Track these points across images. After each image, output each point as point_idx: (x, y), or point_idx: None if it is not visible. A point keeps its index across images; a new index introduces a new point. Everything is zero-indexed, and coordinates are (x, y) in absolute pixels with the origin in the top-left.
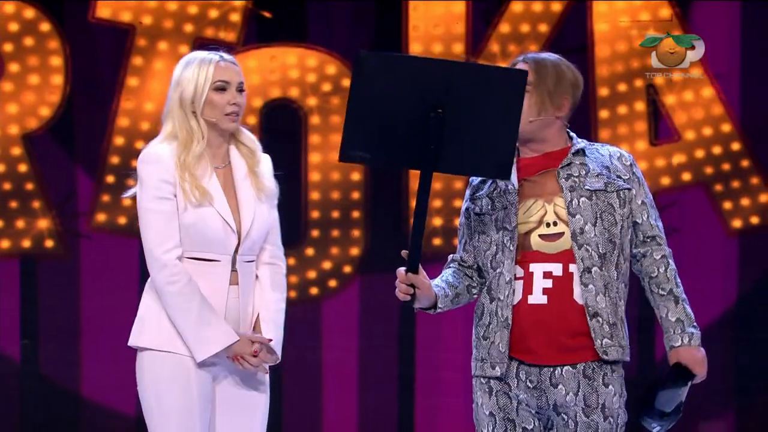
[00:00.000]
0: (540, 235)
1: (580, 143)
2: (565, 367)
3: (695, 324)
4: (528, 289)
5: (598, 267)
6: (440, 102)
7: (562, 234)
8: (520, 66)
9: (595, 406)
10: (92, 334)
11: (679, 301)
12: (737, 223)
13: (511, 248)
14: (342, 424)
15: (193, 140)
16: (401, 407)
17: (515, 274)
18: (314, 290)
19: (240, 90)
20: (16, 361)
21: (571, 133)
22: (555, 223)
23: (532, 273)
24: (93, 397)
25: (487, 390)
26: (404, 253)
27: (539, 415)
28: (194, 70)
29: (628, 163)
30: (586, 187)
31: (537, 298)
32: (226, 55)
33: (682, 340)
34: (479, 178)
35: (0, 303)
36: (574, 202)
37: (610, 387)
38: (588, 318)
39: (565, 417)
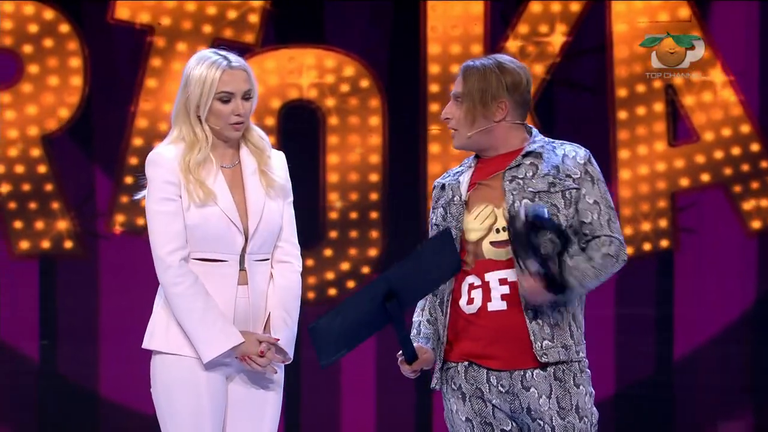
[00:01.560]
0: (491, 242)
1: (536, 143)
2: (536, 370)
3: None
4: (487, 297)
5: None
6: (391, 293)
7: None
8: (458, 79)
9: (569, 408)
10: (110, 334)
11: (589, 257)
12: (756, 224)
13: None
14: (360, 425)
15: (198, 144)
16: (418, 407)
17: (473, 283)
18: (332, 291)
19: (247, 98)
20: (34, 361)
21: (533, 131)
22: (504, 229)
23: (488, 282)
24: (111, 396)
25: (460, 396)
26: (401, 359)
27: (514, 418)
28: (202, 74)
29: (582, 162)
30: (530, 188)
31: (497, 305)
32: (234, 61)
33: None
34: (439, 186)
35: (19, 303)
36: (516, 204)
37: (581, 387)
38: (527, 321)
39: (541, 422)
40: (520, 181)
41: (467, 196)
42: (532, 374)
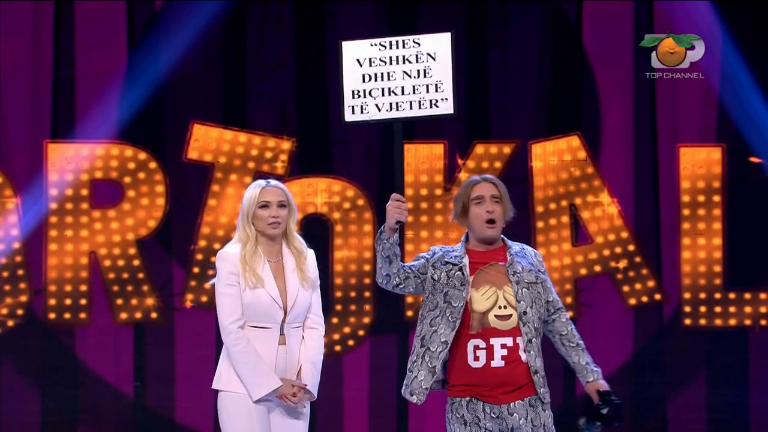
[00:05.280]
0: (496, 315)
1: (515, 245)
2: (518, 402)
3: (596, 363)
4: (490, 356)
5: (534, 337)
6: None
7: (510, 315)
8: (486, 185)
9: (539, 425)
10: (182, 378)
11: (584, 349)
12: (632, 301)
13: (450, 319)
14: None
15: (249, 241)
16: (398, 426)
17: (478, 345)
18: (338, 348)
19: (281, 206)
20: (130, 398)
21: (501, 235)
22: (505, 307)
23: (492, 345)
24: (182, 420)
25: (462, 423)
26: (395, 199)
27: None
28: (249, 193)
29: (540, 259)
30: (525, 280)
31: (497, 362)
32: (273, 181)
33: (593, 376)
34: (439, 252)
35: (120, 357)
36: (519, 292)
37: (547, 412)
38: (531, 374)
39: None
40: (519, 275)
41: (471, 278)
42: (515, 405)
